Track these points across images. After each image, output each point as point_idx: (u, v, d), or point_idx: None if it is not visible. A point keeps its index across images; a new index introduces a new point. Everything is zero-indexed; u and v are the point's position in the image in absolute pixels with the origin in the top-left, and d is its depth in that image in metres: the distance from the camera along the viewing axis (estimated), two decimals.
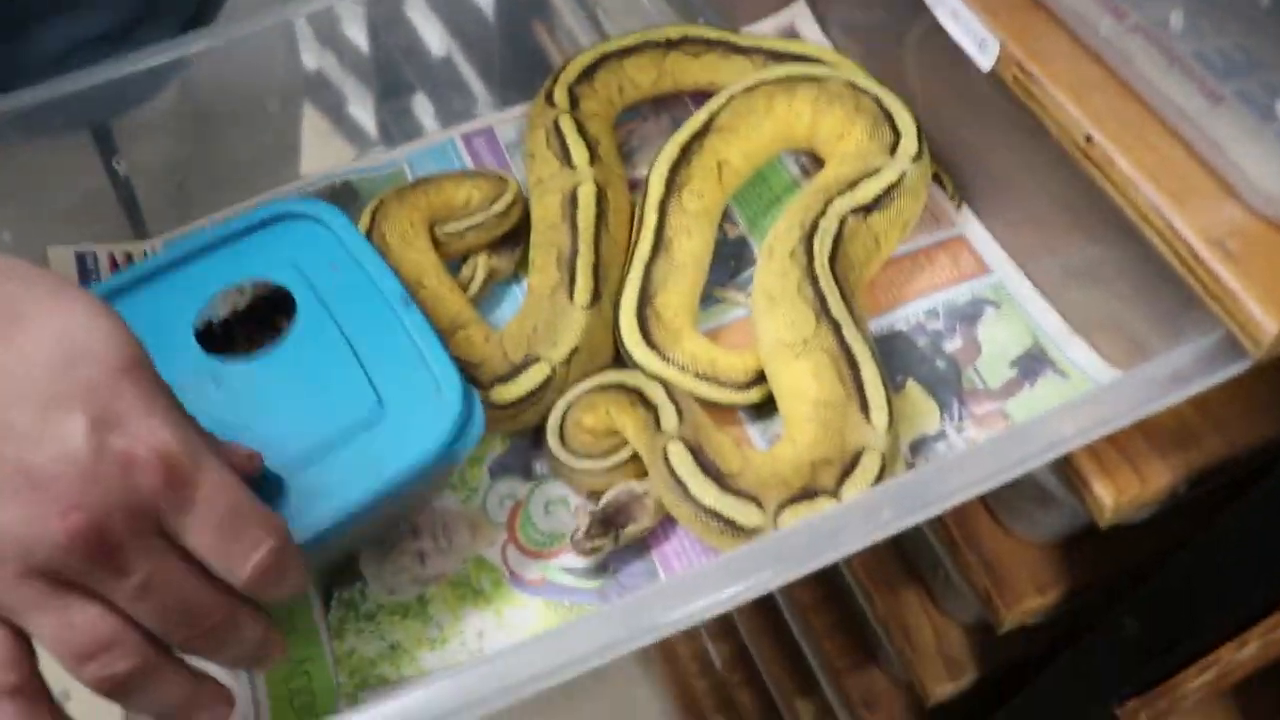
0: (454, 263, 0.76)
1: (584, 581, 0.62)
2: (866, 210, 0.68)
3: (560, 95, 0.78)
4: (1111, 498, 0.65)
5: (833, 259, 0.66)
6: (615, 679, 1.56)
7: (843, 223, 0.67)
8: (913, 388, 0.68)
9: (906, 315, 0.71)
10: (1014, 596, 0.77)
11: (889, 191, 0.69)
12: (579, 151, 0.74)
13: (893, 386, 0.68)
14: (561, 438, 0.65)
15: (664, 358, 0.67)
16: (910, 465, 0.66)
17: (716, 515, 0.58)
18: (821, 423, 0.61)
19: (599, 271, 0.70)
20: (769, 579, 0.51)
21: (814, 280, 0.64)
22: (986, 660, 0.90)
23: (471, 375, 0.65)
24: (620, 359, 0.69)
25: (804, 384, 0.62)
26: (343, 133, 1.02)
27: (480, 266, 0.75)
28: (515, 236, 0.77)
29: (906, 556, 0.94)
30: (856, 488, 0.57)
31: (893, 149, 0.70)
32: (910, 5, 0.69)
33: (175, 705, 0.46)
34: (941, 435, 0.66)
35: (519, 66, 1.01)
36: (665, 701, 1.51)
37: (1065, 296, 0.72)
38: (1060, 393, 0.67)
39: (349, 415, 0.58)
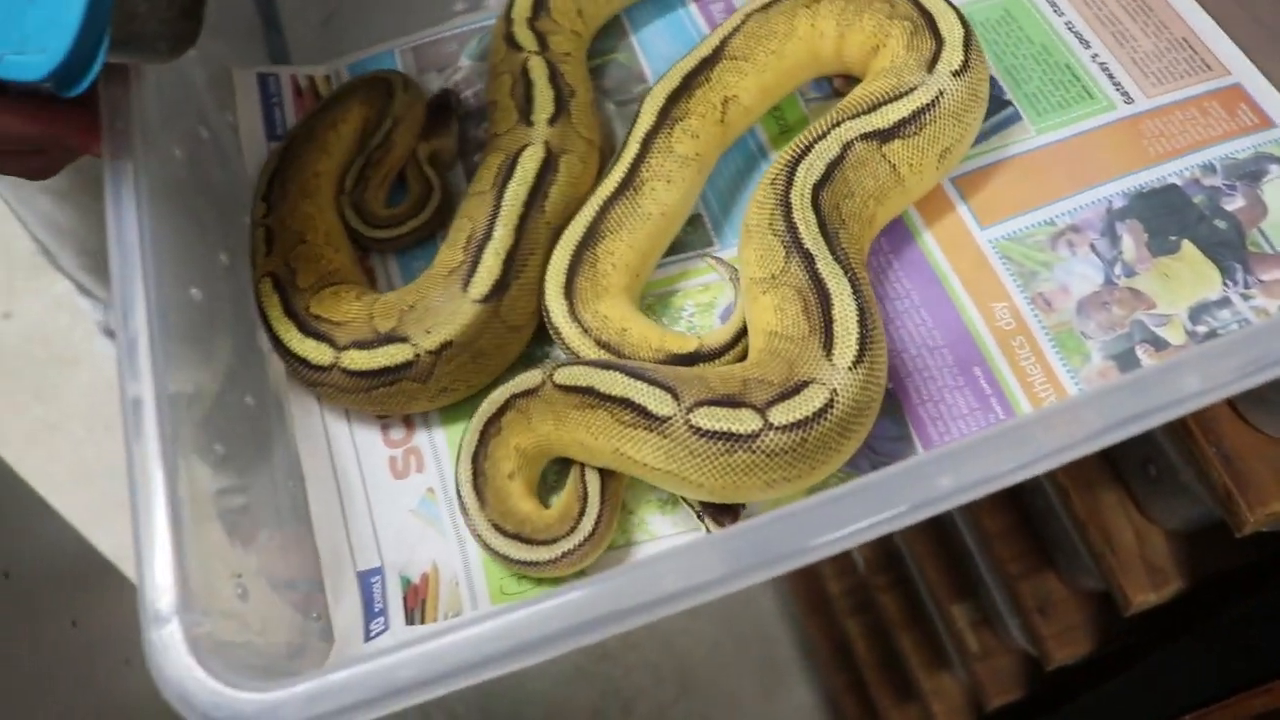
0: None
1: None
2: (883, 137, 0.58)
3: (524, 35, 0.66)
4: None
5: (820, 186, 0.57)
6: None
7: (847, 148, 0.58)
8: (1188, 249, 0.60)
9: (1179, 169, 0.63)
10: (1259, 496, 0.70)
11: (917, 116, 0.58)
12: (543, 105, 0.63)
13: (1165, 247, 0.61)
14: (497, 525, 0.54)
15: (572, 314, 0.57)
16: (1189, 333, 0.58)
17: (627, 404, 0.51)
18: (771, 350, 0.53)
19: (513, 260, 0.58)
20: (1080, 442, 0.44)
21: (787, 210, 0.56)
22: (1193, 571, 0.83)
23: (329, 334, 0.58)
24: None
25: (765, 318, 0.55)
26: None
27: (424, 164, 0.68)
28: (445, 114, 0.69)
29: (1109, 453, 0.86)
30: (787, 414, 0.49)
31: (932, 63, 0.60)
32: None
33: None
34: (1225, 301, 0.59)
35: None
36: (789, 604, 1.46)
37: None
38: None
39: None
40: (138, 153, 0.52)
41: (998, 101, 0.66)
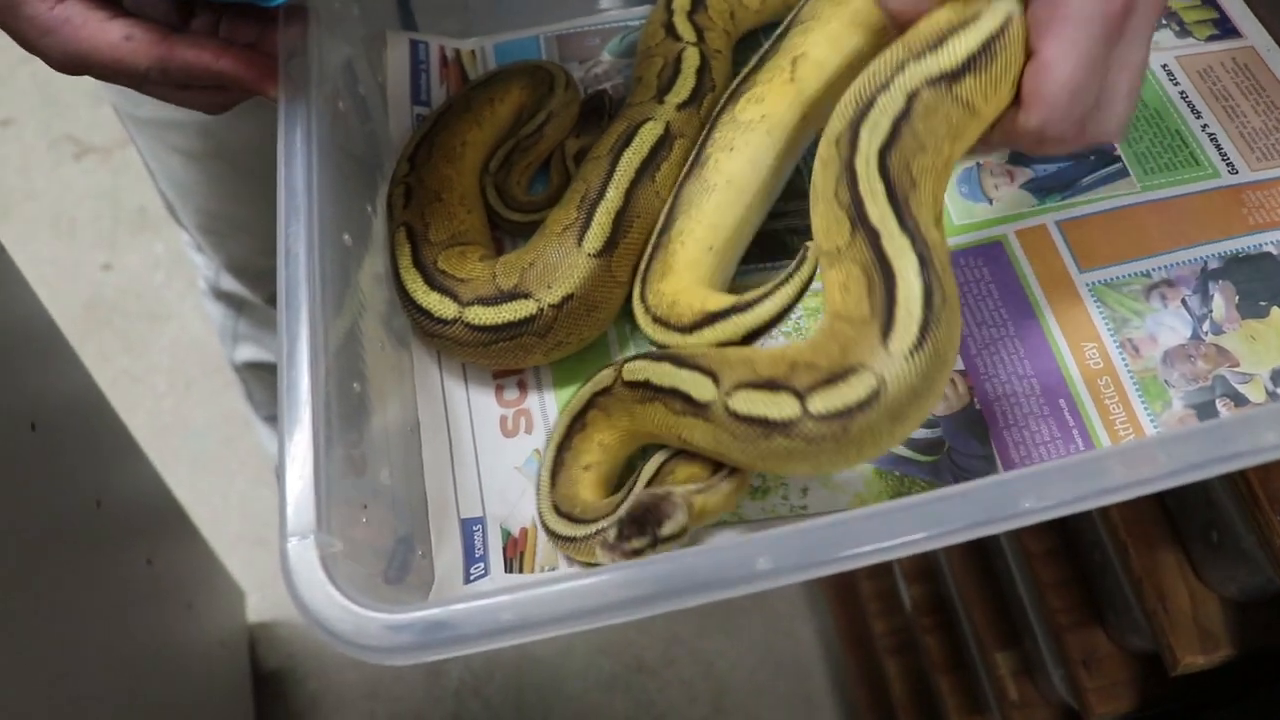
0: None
1: (919, 454, 0.59)
2: (952, 77, 0.50)
3: (684, 26, 0.70)
4: None
5: (887, 149, 0.50)
6: (777, 607, 1.54)
7: (913, 98, 0.49)
8: (1277, 315, 0.63)
9: (1275, 240, 0.65)
10: None
11: (987, 46, 0.49)
12: (681, 89, 0.67)
13: (1255, 311, 0.63)
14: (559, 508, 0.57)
15: (641, 297, 0.60)
16: (1270, 393, 0.60)
17: (675, 393, 0.52)
18: (830, 332, 0.51)
19: (622, 220, 0.62)
20: (1161, 473, 0.46)
21: (852, 178, 0.50)
22: (1245, 639, 0.84)
23: (454, 290, 0.61)
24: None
25: (833, 297, 0.52)
26: None
27: (569, 159, 0.71)
28: (597, 116, 0.72)
29: (1170, 515, 0.88)
30: (826, 402, 0.48)
31: None
32: None
33: None
34: None
35: None
36: (830, 638, 1.48)
37: None
38: None
39: None
40: (312, 98, 0.56)
41: (1107, 156, 0.69)
